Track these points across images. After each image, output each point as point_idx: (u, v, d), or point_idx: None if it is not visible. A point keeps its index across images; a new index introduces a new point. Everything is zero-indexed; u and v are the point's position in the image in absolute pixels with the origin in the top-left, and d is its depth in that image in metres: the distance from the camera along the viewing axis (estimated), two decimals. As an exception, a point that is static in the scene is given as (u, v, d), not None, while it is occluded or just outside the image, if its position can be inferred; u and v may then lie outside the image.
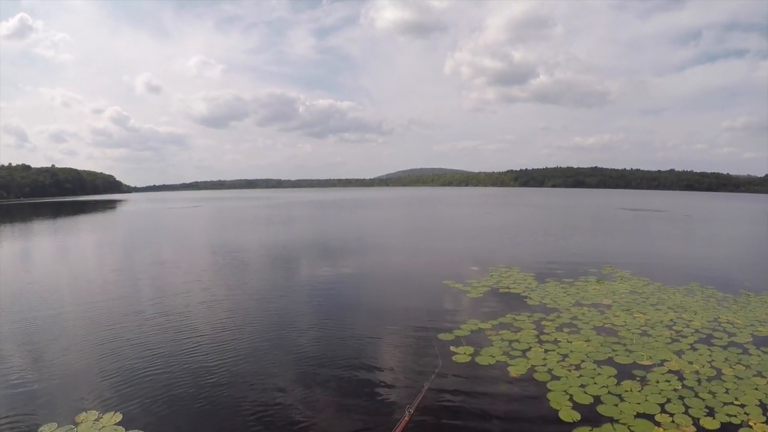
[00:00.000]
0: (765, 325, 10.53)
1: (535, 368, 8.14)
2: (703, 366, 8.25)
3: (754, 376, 7.85)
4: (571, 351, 8.90)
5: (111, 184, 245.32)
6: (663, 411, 6.65)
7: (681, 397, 7.05)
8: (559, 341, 9.45)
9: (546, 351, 8.92)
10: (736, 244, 27.93)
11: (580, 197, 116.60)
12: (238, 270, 18.47)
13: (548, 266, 17.96)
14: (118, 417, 6.59)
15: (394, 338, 10.07)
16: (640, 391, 7.23)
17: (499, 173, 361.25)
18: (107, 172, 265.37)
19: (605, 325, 10.51)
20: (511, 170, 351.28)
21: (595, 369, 8.07)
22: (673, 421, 6.39)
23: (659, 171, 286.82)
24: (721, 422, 6.40)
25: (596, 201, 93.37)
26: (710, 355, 8.74)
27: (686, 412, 6.62)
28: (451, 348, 9.16)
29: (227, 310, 12.44)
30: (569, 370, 8.01)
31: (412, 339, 9.92)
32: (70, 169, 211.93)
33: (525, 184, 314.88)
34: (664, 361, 8.47)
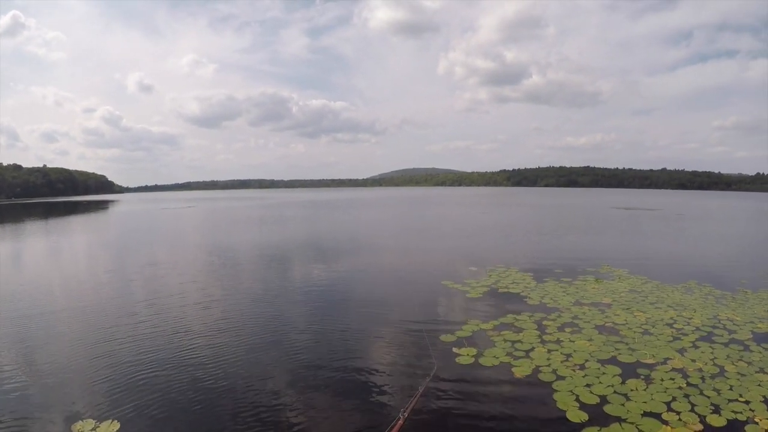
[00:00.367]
0: (764, 321, 10.60)
1: (540, 369, 8.11)
2: (706, 363, 8.28)
3: (756, 372, 7.89)
4: (575, 351, 8.89)
5: (103, 185, 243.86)
6: (669, 409, 6.65)
7: (686, 395, 7.06)
8: (562, 341, 9.44)
9: (549, 351, 8.91)
10: (730, 242, 28.14)
11: (573, 196, 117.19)
12: (234, 271, 18.36)
13: (546, 265, 17.99)
14: (116, 426, 6.43)
15: (392, 340, 10.00)
16: (645, 390, 7.23)
17: (492, 173, 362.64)
18: (99, 172, 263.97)
19: (606, 324, 10.52)
20: (504, 170, 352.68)
21: (599, 368, 8.07)
22: (680, 420, 6.38)
23: (651, 170, 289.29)
24: (728, 419, 6.41)
25: (589, 200, 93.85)
26: (712, 353, 8.77)
27: (692, 410, 6.62)
28: (454, 349, 9.11)
29: (223, 311, 12.33)
30: (574, 370, 8.00)
31: (411, 340, 9.84)
32: (62, 169, 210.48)
33: (518, 183, 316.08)
34: (667, 359, 8.48)
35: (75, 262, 22.32)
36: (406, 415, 6.48)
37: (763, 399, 6.93)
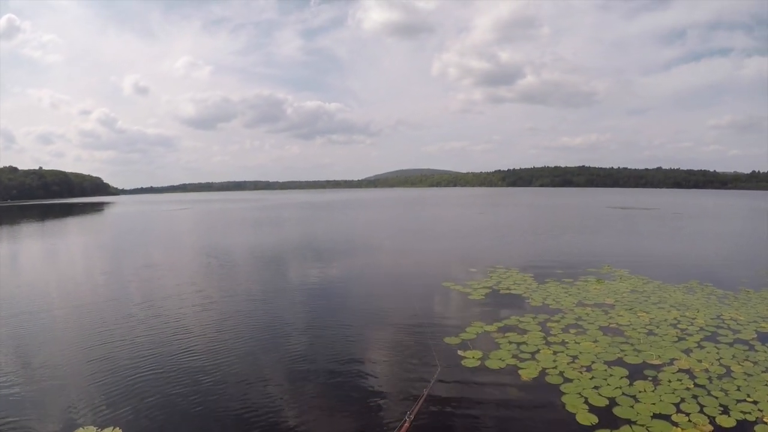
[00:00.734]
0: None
1: (546, 371, 8.06)
2: (712, 364, 8.25)
3: (763, 372, 7.87)
4: (580, 352, 8.85)
5: (99, 187, 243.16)
6: (679, 411, 6.61)
7: (694, 396, 7.03)
8: (567, 342, 9.39)
9: (555, 353, 8.85)
10: (729, 241, 28.24)
11: (568, 196, 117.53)
12: (231, 273, 18.27)
13: (546, 266, 17.97)
14: (118, 432, 6.35)
15: (395, 342, 9.94)
16: (653, 392, 7.19)
17: (487, 173, 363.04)
18: (95, 174, 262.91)
19: (611, 325, 10.49)
20: (499, 170, 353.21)
21: (606, 370, 8.03)
22: (690, 421, 6.35)
23: (646, 169, 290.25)
24: (737, 419, 6.38)
25: (585, 200, 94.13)
26: (718, 353, 8.75)
27: (701, 411, 6.59)
28: (459, 352, 9.04)
29: (222, 313, 12.26)
30: (581, 372, 7.96)
31: (414, 342, 9.77)
32: (58, 171, 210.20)
33: (513, 183, 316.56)
34: (674, 359, 8.46)
35: (72, 264, 22.16)
36: (412, 417, 6.42)
37: (771, 399, 6.91)
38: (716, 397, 7.00)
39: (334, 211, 61.52)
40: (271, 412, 6.92)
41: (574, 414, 6.61)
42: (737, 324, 10.44)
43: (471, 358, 8.71)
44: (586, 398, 7.03)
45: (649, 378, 7.71)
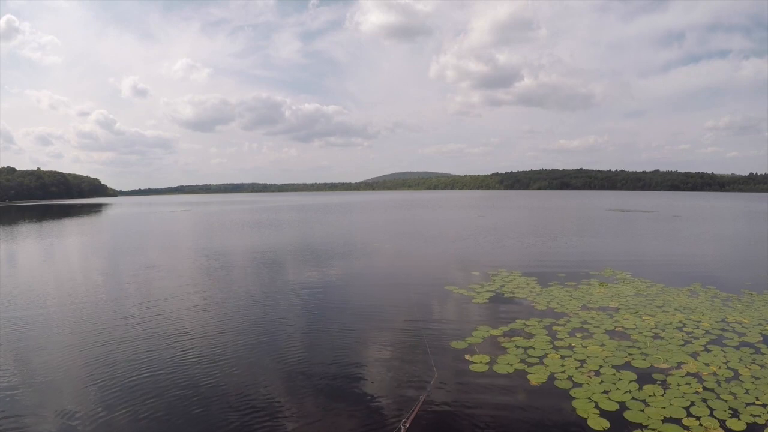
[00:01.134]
0: (772, 325, 10.64)
1: (555, 375, 8.07)
2: (720, 367, 8.29)
3: (770, 376, 7.90)
4: (588, 356, 8.86)
5: (97, 188, 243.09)
6: (689, 415, 6.63)
7: (704, 400, 7.06)
8: (574, 346, 9.40)
9: (563, 357, 8.86)
10: (729, 243, 28.36)
11: (566, 199, 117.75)
12: (230, 275, 18.20)
13: (549, 269, 18.02)
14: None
15: (396, 347, 9.84)
16: (663, 396, 7.21)
17: (485, 176, 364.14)
18: (93, 176, 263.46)
19: (617, 329, 10.51)
20: (497, 173, 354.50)
21: (614, 374, 8.04)
22: (700, 425, 6.37)
23: (644, 172, 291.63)
24: (747, 423, 6.39)
25: (584, 202, 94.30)
26: (724, 356, 8.78)
27: (711, 415, 6.61)
28: (466, 356, 9.04)
29: (220, 315, 12.25)
30: (590, 377, 7.97)
31: (416, 347, 9.66)
32: (56, 173, 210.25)
33: (510, 186, 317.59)
34: (681, 363, 8.48)
35: (70, 265, 22.04)
36: (407, 425, 6.39)
37: (780, 402, 6.93)
38: (725, 401, 7.02)
39: (333, 214, 61.45)
40: (266, 415, 6.89)
41: (586, 418, 6.61)
42: (742, 327, 10.49)
43: (479, 363, 8.70)
44: (596, 403, 7.04)
45: (658, 382, 7.73)
